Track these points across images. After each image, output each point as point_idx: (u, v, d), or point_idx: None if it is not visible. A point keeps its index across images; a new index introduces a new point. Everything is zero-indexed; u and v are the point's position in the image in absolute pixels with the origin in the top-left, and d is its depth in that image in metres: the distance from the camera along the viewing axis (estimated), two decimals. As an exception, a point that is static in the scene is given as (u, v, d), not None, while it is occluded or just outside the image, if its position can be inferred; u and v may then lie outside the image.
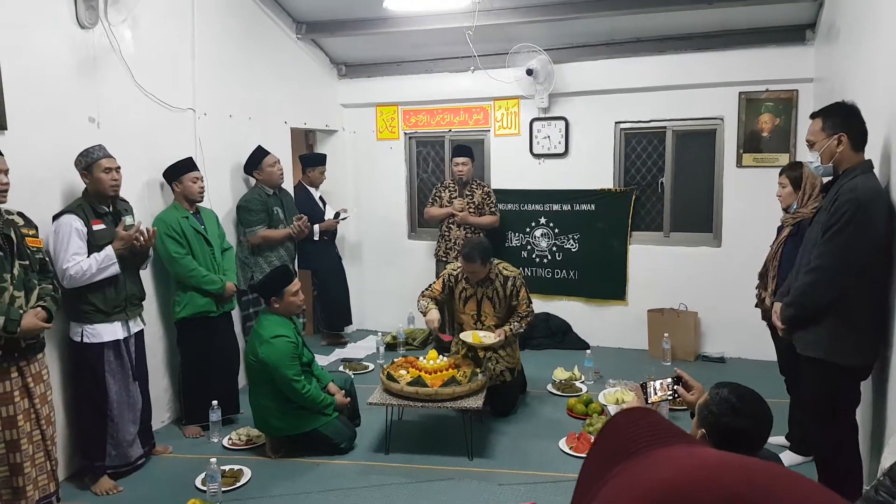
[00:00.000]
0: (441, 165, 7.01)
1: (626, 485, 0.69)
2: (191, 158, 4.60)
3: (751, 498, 0.59)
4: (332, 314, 6.61)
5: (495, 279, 4.71)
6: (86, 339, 3.76)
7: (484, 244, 4.74)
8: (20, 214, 3.21)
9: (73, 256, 3.62)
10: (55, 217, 3.68)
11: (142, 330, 4.12)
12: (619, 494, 0.68)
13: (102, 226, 3.78)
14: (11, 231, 3.07)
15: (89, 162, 3.73)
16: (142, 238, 3.85)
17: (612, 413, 4.62)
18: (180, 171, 4.49)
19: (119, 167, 3.84)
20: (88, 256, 3.67)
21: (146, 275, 4.38)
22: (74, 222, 3.65)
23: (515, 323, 4.68)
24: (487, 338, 4.57)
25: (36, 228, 3.27)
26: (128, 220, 3.95)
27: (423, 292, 4.87)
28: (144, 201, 4.47)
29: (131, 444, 3.98)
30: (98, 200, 3.80)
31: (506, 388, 4.76)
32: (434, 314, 4.64)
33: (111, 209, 3.88)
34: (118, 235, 3.79)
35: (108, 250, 3.73)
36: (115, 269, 3.77)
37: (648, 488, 0.64)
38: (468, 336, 4.58)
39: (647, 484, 0.65)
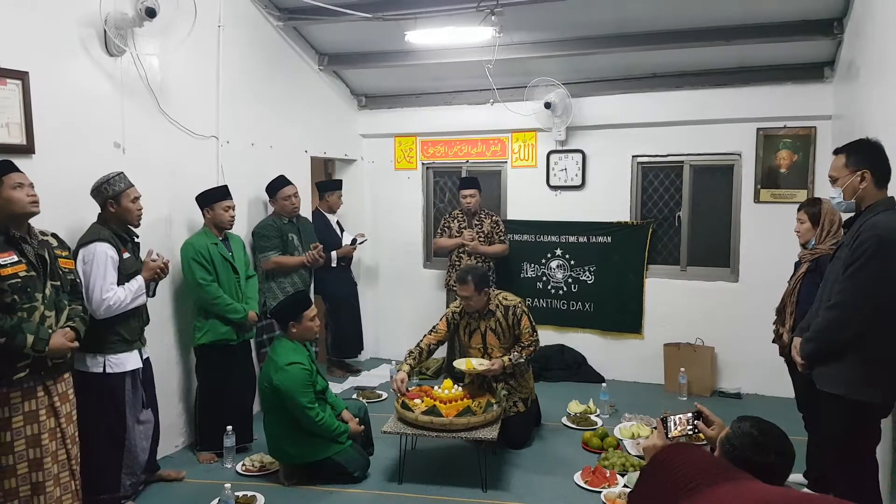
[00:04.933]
0: (458, 195, 7.04)
1: None
2: (226, 187, 4.65)
3: None
4: (344, 342, 6.59)
5: (496, 310, 4.68)
6: (109, 370, 3.70)
7: (479, 270, 4.78)
8: (54, 236, 3.28)
9: (111, 286, 3.61)
10: (83, 244, 3.62)
11: (148, 356, 4.06)
12: None
13: (128, 254, 3.78)
14: (46, 252, 3.14)
15: (117, 192, 3.70)
16: (165, 269, 3.88)
17: (629, 448, 4.60)
18: (214, 199, 4.53)
19: (140, 196, 3.85)
20: (119, 286, 3.66)
21: (165, 300, 4.43)
22: (109, 251, 3.63)
23: (515, 353, 4.60)
24: (481, 365, 4.51)
25: (69, 250, 3.33)
26: (149, 249, 3.94)
27: (425, 335, 4.77)
28: (167, 226, 4.52)
29: (142, 470, 3.98)
30: (121, 229, 3.79)
31: (520, 419, 4.73)
32: (402, 375, 4.46)
33: (129, 237, 3.87)
34: (147, 265, 3.81)
35: (140, 280, 3.74)
36: (143, 298, 3.80)
37: None
38: (461, 363, 4.56)
39: None
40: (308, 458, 4.19)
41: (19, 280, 2.96)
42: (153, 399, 4.09)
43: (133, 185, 3.80)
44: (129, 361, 3.79)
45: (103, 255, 3.60)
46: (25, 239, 3.06)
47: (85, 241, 3.65)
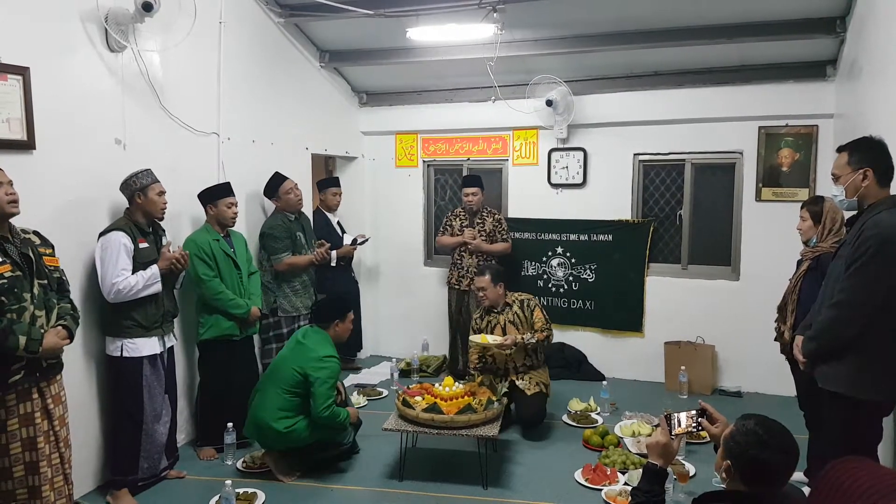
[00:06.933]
0: (458, 193, 7.04)
1: None
2: (228, 184, 4.69)
3: None
4: (350, 339, 6.59)
5: (513, 303, 5.08)
6: (125, 354, 3.88)
7: (496, 266, 5.35)
8: (36, 233, 3.19)
9: (122, 272, 3.76)
10: (102, 233, 3.82)
11: (173, 345, 4.23)
12: None
13: (146, 245, 3.93)
14: (29, 250, 3.04)
15: (145, 185, 3.91)
16: (181, 260, 4.00)
17: (629, 446, 4.59)
18: (216, 195, 4.59)
19: (165, 192, 4.03)
20: (133, 273, 3.80)
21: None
22: (123, 239, 3.79)
23: (528, 333, 4.89)
24: (495, 340, 4.80)
25: (52, 247, 3.24)
26: (165, 241, 4.10)
27: (470, 358, 5.18)
28: (167, 222, 4.50)
29: (161, 456, 4.10)
30: (145, 221, 3.97)
31: (538, 397, 4.93)
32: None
33: (151, 230, 4.02)
34: (164, 256, 3.95)
35: (154, 269, 3.89)
36: (157, 287, 3.91)
37: None
38: (477, 338, 4.83)
39: None
40: (299, 444, 4.20)
41: (5, 281, 2.87)
42: (172, 386, 4.27)
43: (159, 181, 4.00)
44: (145, 347, 3.94)
45: (117, 243, 3.77)
46: (7, 238, 2.96)
47: (103, 231, 3.84)
